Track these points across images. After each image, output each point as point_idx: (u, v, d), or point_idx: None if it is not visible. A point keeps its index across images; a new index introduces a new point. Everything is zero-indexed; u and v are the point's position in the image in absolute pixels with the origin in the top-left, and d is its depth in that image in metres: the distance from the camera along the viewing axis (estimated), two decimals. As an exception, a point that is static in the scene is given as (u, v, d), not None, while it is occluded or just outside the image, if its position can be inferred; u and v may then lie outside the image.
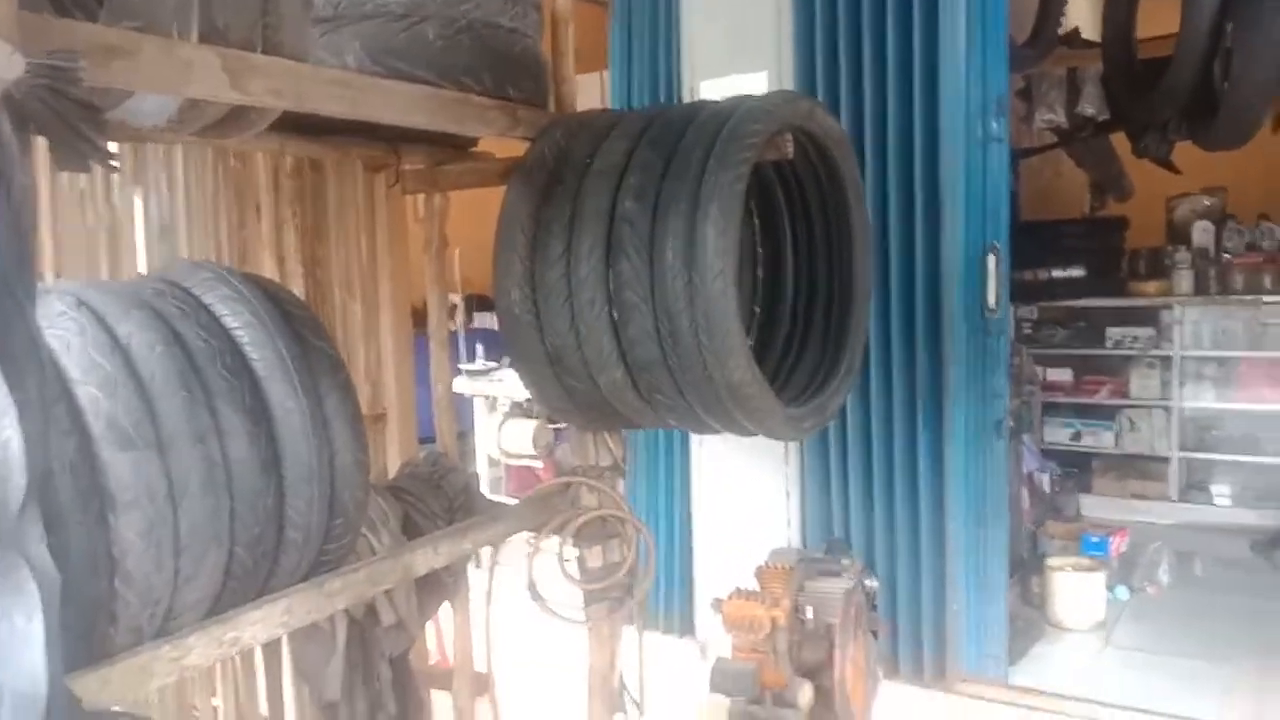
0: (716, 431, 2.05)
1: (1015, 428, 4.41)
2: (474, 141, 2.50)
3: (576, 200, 1.91)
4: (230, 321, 1.59)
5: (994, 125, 3.22)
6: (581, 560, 2.34)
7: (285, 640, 2.21)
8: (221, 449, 1.48)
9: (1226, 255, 5.35)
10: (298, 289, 2.65)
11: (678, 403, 1.91)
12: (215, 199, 2.80)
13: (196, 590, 1.46)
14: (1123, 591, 4.19)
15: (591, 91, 4.82)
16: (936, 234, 3.26)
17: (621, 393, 1.93)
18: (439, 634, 3.14)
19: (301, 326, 1.67)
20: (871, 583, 3.21)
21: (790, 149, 2.01)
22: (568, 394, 2.01)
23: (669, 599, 3.99)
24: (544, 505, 2.33)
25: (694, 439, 3.73)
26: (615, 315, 1.84)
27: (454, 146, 2.49)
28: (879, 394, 3.41)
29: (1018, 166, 5.92)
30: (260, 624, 1.56)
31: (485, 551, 2.49)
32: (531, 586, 2.27)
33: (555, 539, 2.31)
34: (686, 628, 3.92)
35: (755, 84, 3.44)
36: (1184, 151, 4.17)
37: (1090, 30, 4.46)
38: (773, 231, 2.35)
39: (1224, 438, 5.37)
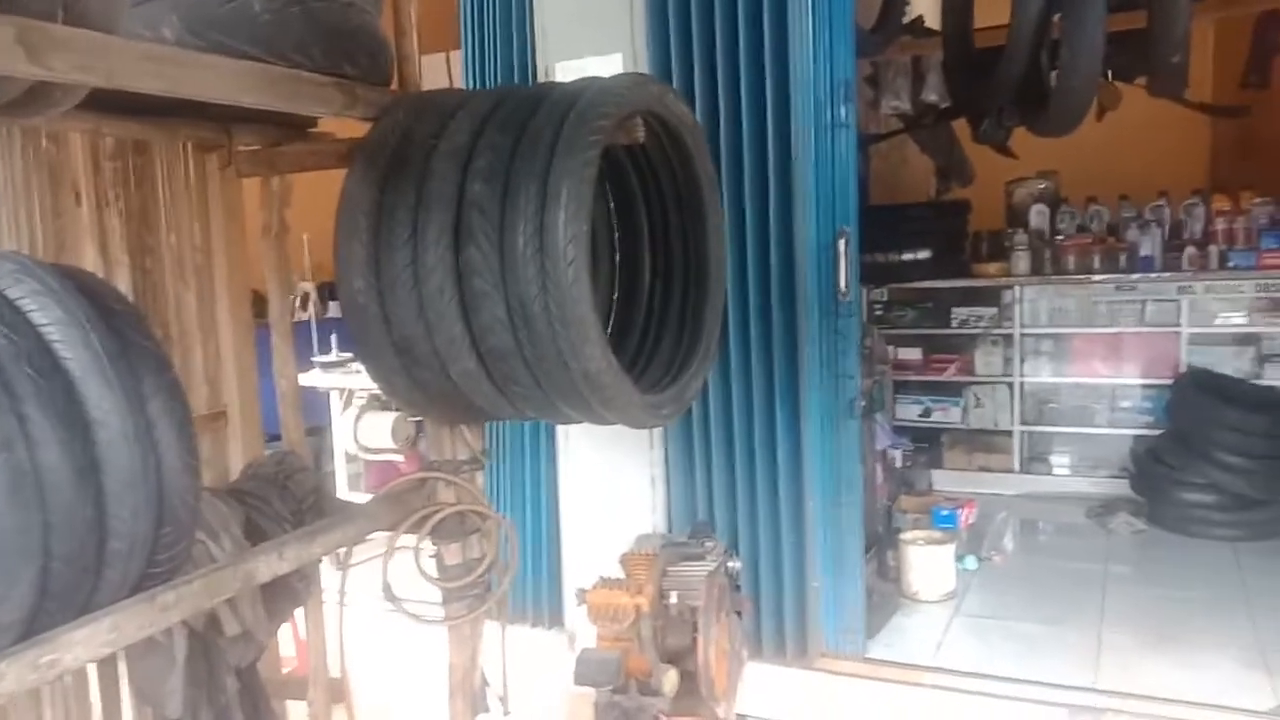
0: (575, 421, 2.02)
1: (869, 407, 4.56)
2: (313, 122, 2.38)
3: (422, 183, 1.83)
4: (39, 318, 1.45)
5: (842, 111, 3.29)
6: (439, 558, 2.27)
7: (122, 657, 2.06)
8: (30, 457, 1.36)
9: (1060, 237, 5.65)
10: (124, 280, 2.46)
11: (534, 393, 1.86)
12: (27, 184, 2.57)
13: (9, 612, 1.34)
14: (971, 561, 4.39)
15: (441, 72, 4.69)
16: (789, 219, 3.31)
17: (475, 384, 1.87)
18: (297, 641, 3.00)
19: (122, 322, 1.55)
20: (734, 564, 3.26)
21: (642, 133, 1.99)
22: (419, 386, 1.94)
23: (537, 591, 3.94)
24: (398, 503, 2.24)
25: (560, 428, 3.69)
26: (465, 303, 1.77)
27: (291, 126, 2.36)
28: (739, 377, 3.45)
29: (868, 152, 6.12)
30: (83, 644, 1.44)
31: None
32: (386, 588, 2.18)
33: (412, 537, 2.24)
34: (556, 619, 3.89)
35: (610, 67, 3.41)
36: (1022, 137, 4.38)
37: (934, 19, 4.61)
38: (628, 217, 2.32)
39: (1061, 411, 5.70)
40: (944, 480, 5.69)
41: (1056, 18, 3.43)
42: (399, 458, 4.81)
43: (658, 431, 3.61)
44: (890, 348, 5.67)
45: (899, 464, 5.27)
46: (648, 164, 2.25)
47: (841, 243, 3.34)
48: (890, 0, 4.15)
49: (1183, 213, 5.43)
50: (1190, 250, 5.28)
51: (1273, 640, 3.51)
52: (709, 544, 3.18)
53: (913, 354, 5.90)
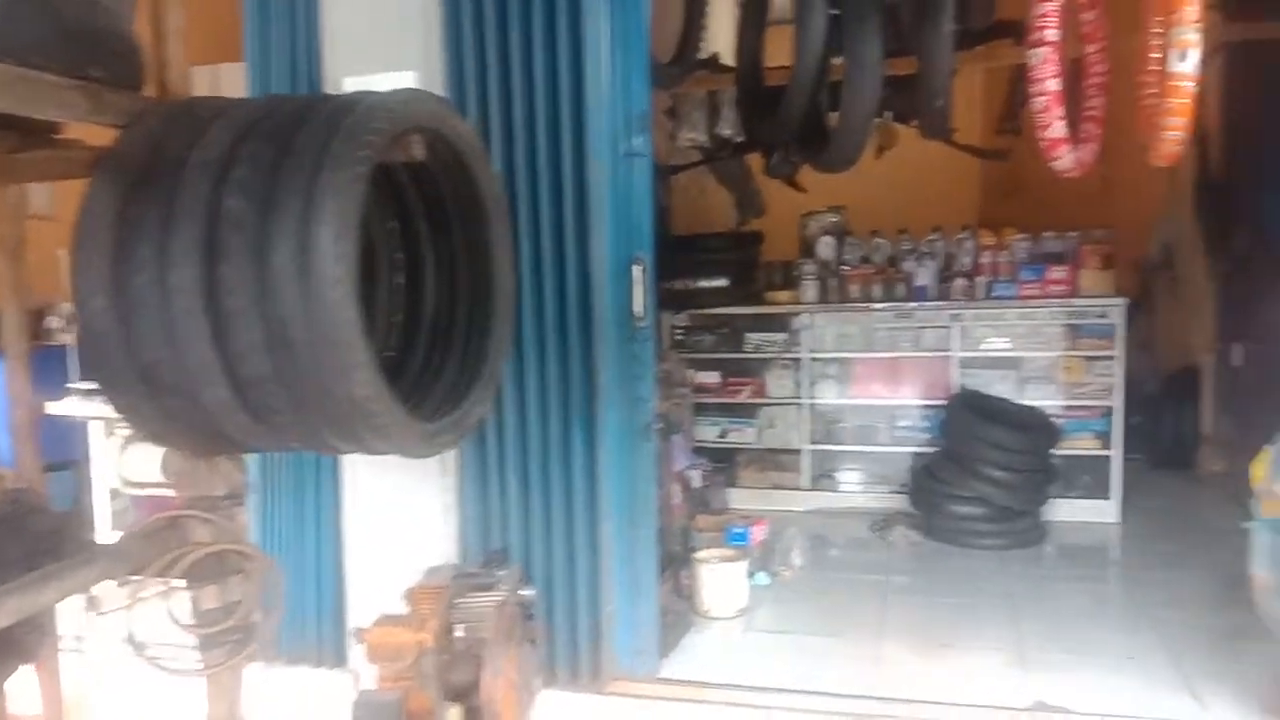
0: (345, 452, 1.91)
1: (666, 429, 4.63)
2: (56, 127, 2.16)
3: (172, 196, 1.69)
4: None
5: (637, 141, 3.33)
6: (195, 602, 2.09)
7: None
8: None
9: (845, 267, 5.97)
10: None
11: (296, 422, 1.74)
12: None
13: None
14: (762, 577, 4.52)
15: (238, 83, 4.42)
16: (586, 244, 3.30)
17: (230, 413, 1.73)
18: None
19: None
20: (528, 592, 3.21)
21: (419, 151, 1.92)
22: (167, 416, 1.78)
23: (321, 630, 3.73)
24: (148, 543, 2.05)
25: (345, 456, 3.52)
26: (217, 325, 1.64)
27: (30, 132, 2.13)
28: (535, 401, 3.41)
29: (669, 182, 6.27)
30: None
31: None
32: (131, 638, 1.98)
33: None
34: (340, 660, 3.69)
35: (402, 84, 3.30)
36: (819, 174, 4.56)
37: (730, 56, 4.79)
38: (412, 238, 2.25)
39: (847, 430, 5.99)
40: (740, 498, 5.86)
41: (838, 60, 3.62)
42: (172, 492, 4.44)
43: (450, 458, 3.51)
44: (690, 371, 5.80)
45: (697, 484, 5.38)
46: (432, 185, 2.18)
47: (637, 269, 3.37)
48: (686, 35, 4.26)
49: (954, 246, 5.85)
50: (960, 281, 5.70)
51: (1032, 641, 3.79)
52: (502, 573, 3.11)
53: (711, 377, 6.05)
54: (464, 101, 3.35)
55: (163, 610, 2.09)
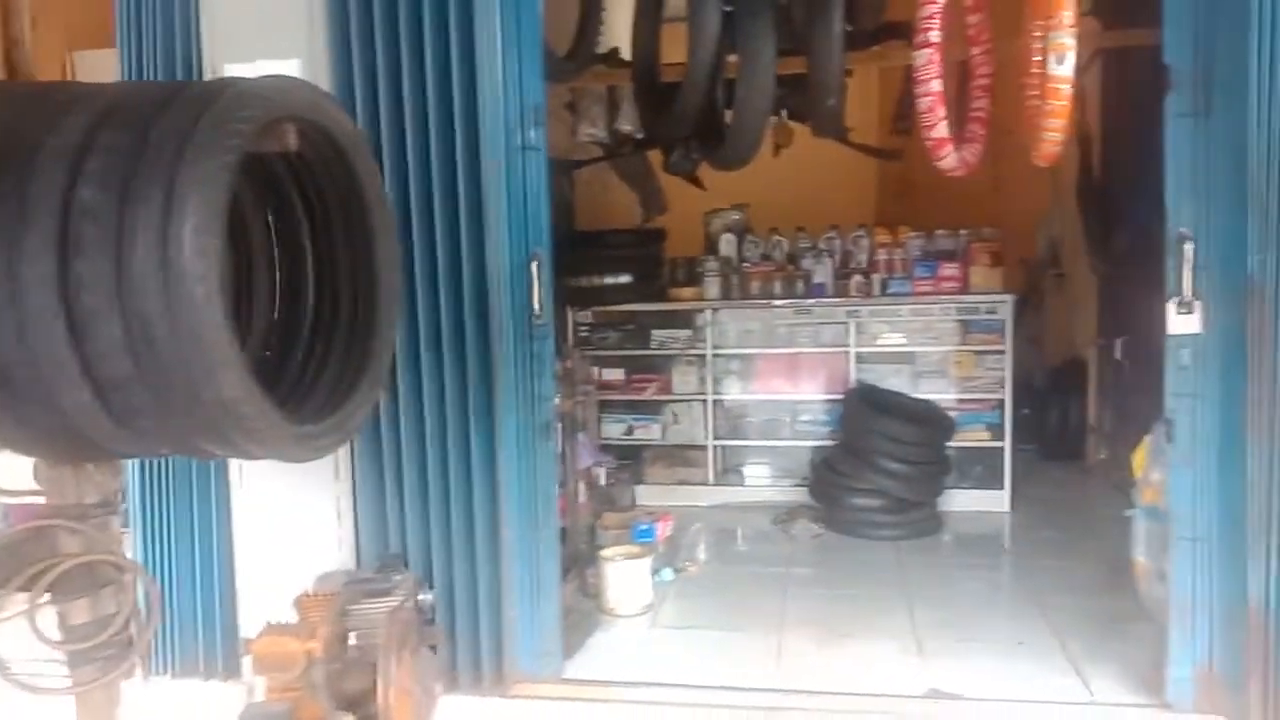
0: (218, 457, 1.83)
1: (571, 427, 4.60)
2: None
3: (22, 187, 1.58)
4: None
5: (531, 134, 3.29)
6: (63, 616, 1.97)
7: None
8: None
9: (746, 264, 6.03)
10: None
11: (163, 426, 1.66)
12: None
13: None
14: (668, 573, 4.53)
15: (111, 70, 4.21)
16: (481, 240, 3.25)
17: (91, 418, 1.63)
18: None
19: None
20: (426, 597, 3.14)
21: (294, 142, 1.84)
22: (21, 423, 1.67)
23: (210, 641, 3.58)
24: (10, 556, 1.93)
25: (232, 460, 3.38)
26: (74, 325, 1.54)
27: None
28: (432, 402, 3.34)
29: (572, 177, 6.23)
30: None
31: None
32: (-13, 657, 1.86)
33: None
34: (233, 671, 3.55)
35: (286, 72, 3.19)
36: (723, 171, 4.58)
37: (629, 51, 4.77)
38: (290, 234, 2.16)
39: (750, 425, 6.05)
40: (646, 495, 5.87)
41: (734, 58, 3.64)
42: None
43: (344, 461, 3.42)
44: (595, 368, 5.78)
45: (603, 482, 5.37)
46: (311, 177, 2.10)
47: (534, 265, 3.33)
48: (583, 28, 4.23)
49: (851, 244, 5.97)
50: (857, 278, 5.81)
51: (928, 629, 3.87)
52: (398, 578, 3.03)
53: (616, 374, 6.04)
54: (351, 92, 3.26)
55: (28, 626, 1.97)
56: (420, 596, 3.06)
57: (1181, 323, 2.94)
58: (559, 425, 4.46)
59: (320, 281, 2.20)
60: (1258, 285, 2.80)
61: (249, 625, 3.32)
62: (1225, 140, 2.81)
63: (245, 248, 2.02)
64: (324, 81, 3.24)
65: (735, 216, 6.29)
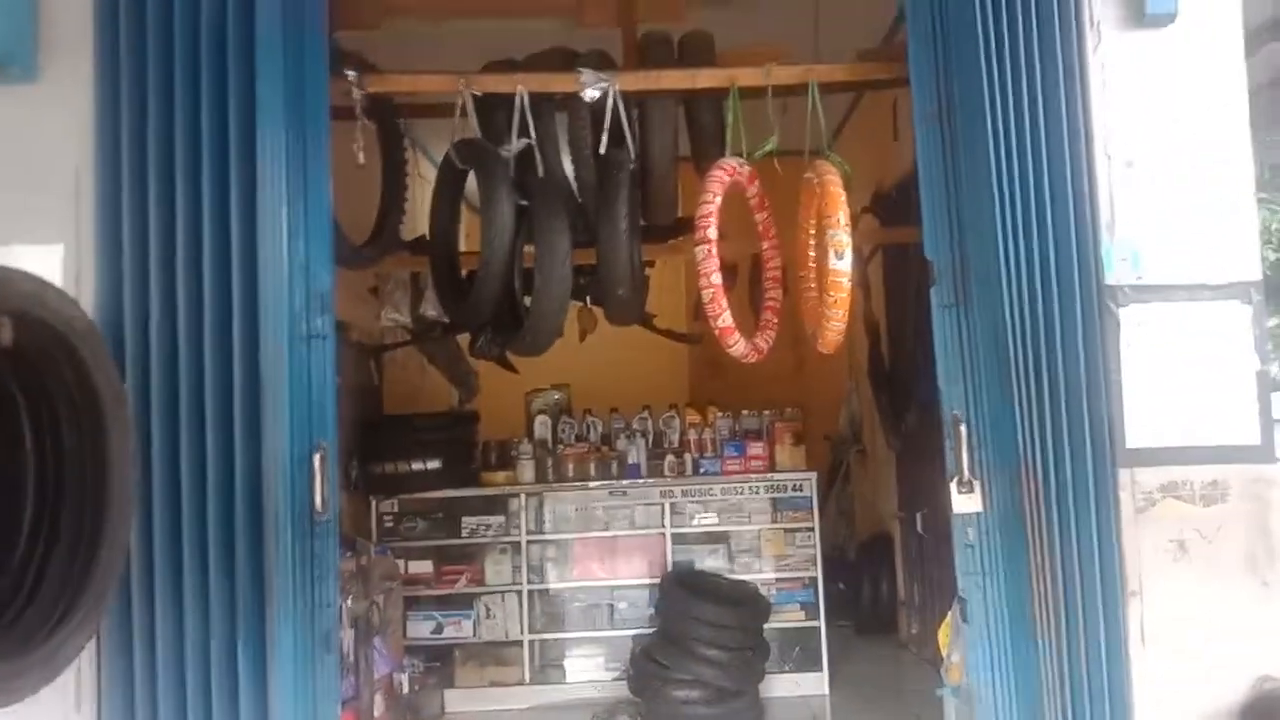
0: None
1: (367, 631, 4.25)
2: None
3: None
4: None
5: (319, 322, 3.14)
6: None
7: None
8: None
9: (561, 446, 5.94)
10: None
11: None
12: None
13: None
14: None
15: None
16: (258, 434, 3.01)
17: None
18: None
19: None
20: None
21: (8, 335, 1.64)
22: None
23: None
24: None
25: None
26: None
27: None
28: (195, 618, 2.97)
29: (380, 360, 6.06)
30: None
31: None
32: None
33: None
34: None
35: (49, 258, 2.99)
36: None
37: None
38: (7, 434, 1.91)
39: (569, 615, 5.80)
40: (457, 700, 5.47)
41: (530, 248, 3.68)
42: None
43: (88, 686, 2.97)
44: (401, 561, 5.44)
45: (406, 689, 4.95)
46: (34, 374, 1.88)
47: (318, 458, 3.11)
48: (384, 215, 4.19)
49: (663, 424, 6.02)
50: (669, 458, 5.83)
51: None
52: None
53: (424, 567, 5.70)
54: (119, 277, 3.04)
55: None
56: None
57: (964, 502, 3.03)
58: (352, 630, 4.13)
59: (43, 484, 1.94)
60: (1029, 463, 2.94)
61: None
62: (985, 328, 3.00)
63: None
64: (88, 267, 3.03)
65: (556, 396, 6.27)
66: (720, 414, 5.96)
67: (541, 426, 6.06)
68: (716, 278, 3.28)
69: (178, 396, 3.01)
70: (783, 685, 5.44)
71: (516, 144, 3.55)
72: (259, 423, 3.02)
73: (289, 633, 2.99)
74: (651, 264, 5.46)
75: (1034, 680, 2.95)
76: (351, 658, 4.13)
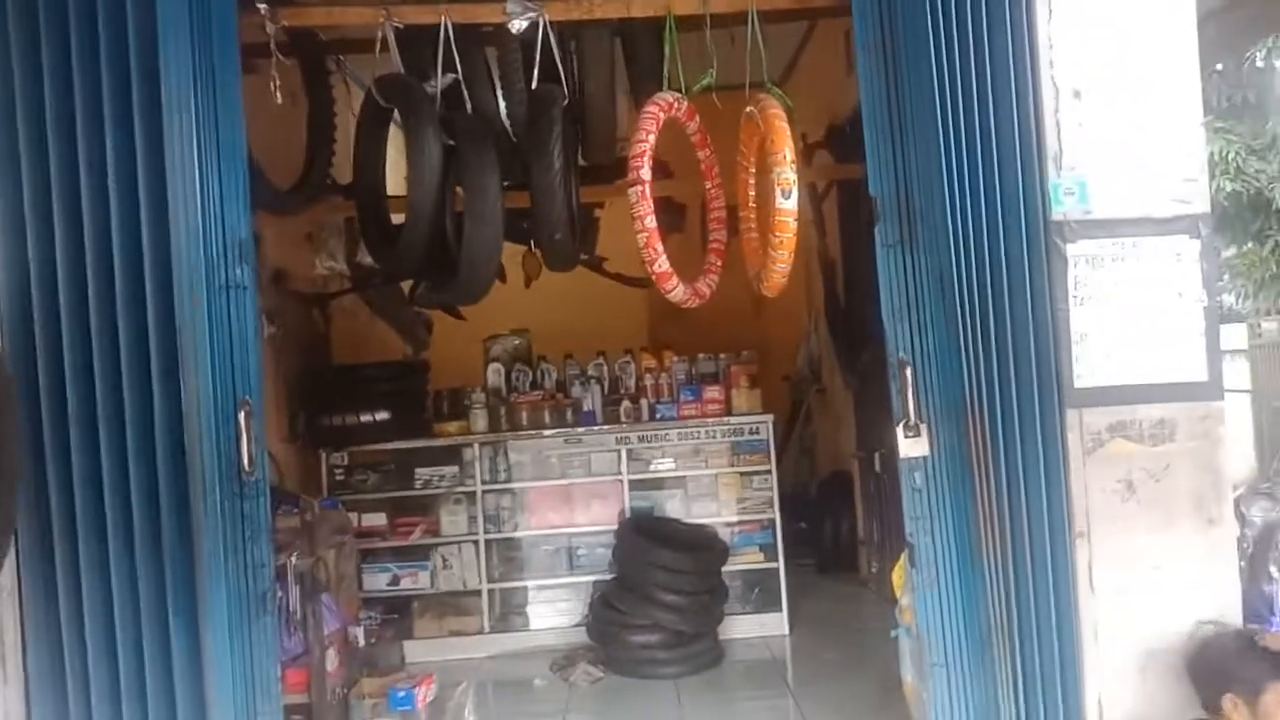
0: None
1: (313, 587, 4.17)
2: None
3: None
4: None
5: (237, 272, 2.99)
6: None
7: None
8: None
9: (515, 394, 5.83)
10: None
11: None
12: None
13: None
14: (428, 746, 4.10)
15: None
16: (176, 392, 2.88)
17: None
18: None
19: None
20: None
21: None
22: None
23: None
24: None
25: None
26: None
27: None
28: (122, 584, 2.87)
29: (327, 309, 5.90)
30: None
31: None
32: None
33: None
34: None
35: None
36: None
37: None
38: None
39: (527, 564, 5.75)
40: (416, 650, 5.43)
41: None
42: None
43: (12, 660, 2.87)
44: (353, 514, 5.35)
45: (362, 642, 4.88)
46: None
47: (243, 415, 2.99)
48: (311, 160, 4.01)
49: (618, 370, 5.91)
50: (626, 404, 5.74)
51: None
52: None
53: (378, 519, 5.61)
54: (20, 226, 2.88)
55: None
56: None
57: (910, 445, 2.97)
58: (298, 588, 4.05)
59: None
60: (975, 405, 2.87)
61: None
62: (930, 268, 2.91)
63: None
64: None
65: (516, 342, 6.13)
66: (676, 358, 5.86)
67: (495, 374, 5.93)
68: (651, 221, 3.15)
69: (91, 355, 2.87)
70: (743, 626, 5.44)
71: (443, 79, 3.37)
72: (176, 380, 2.88)
73: (221, 595, 2.90)
74: (601, 205, 5.32)
75: (982, 622, 2.93)
76: (299, 615, 4.05)
